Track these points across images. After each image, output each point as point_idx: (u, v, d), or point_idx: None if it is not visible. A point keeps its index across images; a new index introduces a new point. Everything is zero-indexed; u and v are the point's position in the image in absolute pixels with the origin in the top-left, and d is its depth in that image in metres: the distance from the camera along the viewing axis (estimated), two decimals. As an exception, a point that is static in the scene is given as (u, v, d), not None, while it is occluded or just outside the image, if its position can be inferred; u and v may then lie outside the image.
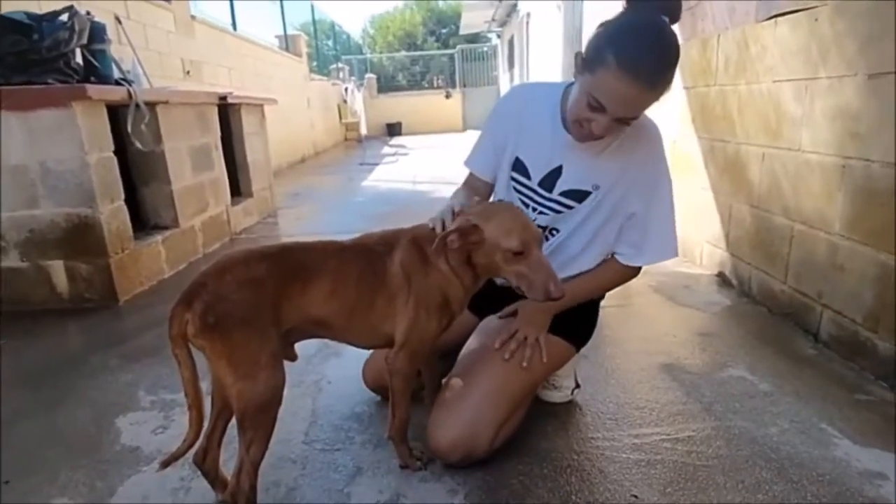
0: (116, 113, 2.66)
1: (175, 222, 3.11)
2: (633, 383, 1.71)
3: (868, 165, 1.68)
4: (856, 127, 1.72)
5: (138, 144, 2.75)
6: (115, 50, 3.01)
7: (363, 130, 13.07)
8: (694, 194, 2.86)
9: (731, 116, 2.45)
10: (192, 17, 5.50)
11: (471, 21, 16.25)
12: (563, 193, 1.37)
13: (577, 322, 1.47)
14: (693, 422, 1.50)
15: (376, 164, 8.23)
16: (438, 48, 24.96)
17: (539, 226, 1.39)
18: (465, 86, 16.82)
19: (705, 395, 1.64)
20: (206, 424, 1.14)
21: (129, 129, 2.67)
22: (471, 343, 1.48)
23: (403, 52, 24.59)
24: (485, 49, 17.93)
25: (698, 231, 2.86)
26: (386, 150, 10.74)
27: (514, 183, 1.44)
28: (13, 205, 2.40)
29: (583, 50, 1.20)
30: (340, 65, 14.88)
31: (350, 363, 1.78)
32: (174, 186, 3.09)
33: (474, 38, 19.71)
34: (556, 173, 1.37)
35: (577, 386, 1.62)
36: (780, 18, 2.07)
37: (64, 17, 2.49)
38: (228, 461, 1.25)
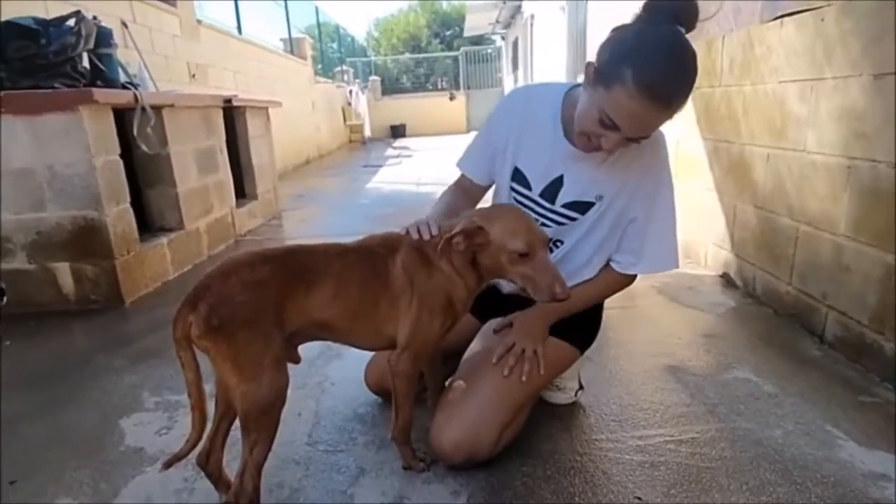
0: (122, 116, 2.68)
1: (180, 224, 3.13)
2: (637, 385, 1.71)
3: (874, 166, 1.67)
4: (861, 127, 1.71)
5: (144, 147, 2.77)
6: (122, 54, 3.04)
7: (367, 132, 13.11)
8: (698, 195, 2.85)
9: (736, 117, 2.45)
10: (198, 21, 5.53)
11: (475, 23, 16.27)
12: (565, 205, 1.35)
13: (580, 325, 1.45)
14: (697, 423, 1.50)
15: (380, 166, 8.25)
16: (442, 50, 25.00)
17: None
18: (469, 88, 16.84)
19: (709, 396, 1.63)
20: (209, 426, 1.15)
21: (135, 132, 2.69)
22: (474, 346, 1.48)
23: (408, 55, 24.65)
24: (489, 51, 17.95)
25: (703, 232, 2.85)
26: (390, 151, 10.76)
27: (514, 194, 1.42)
28: (20, 207, 2.42)
29: (593, 59, 1.15)
30: (345, 67, 14.93)
31: (353, 365, 1.79)
32: (179, 189, 3.11)
33: (478, 40, 19.73)
34: (557, 184, 1.34)
35: (581, 388, 1.61)
36: (785, 19, 2.07)
37: (71, 22, 2.51)
38: (232, 462, 1.25)
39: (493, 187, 1.52)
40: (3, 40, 2.37)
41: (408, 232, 1.24)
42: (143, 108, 2.70)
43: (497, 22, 15.08)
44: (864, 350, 1.74)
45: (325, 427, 1.54)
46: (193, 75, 5.25)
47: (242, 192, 4.29)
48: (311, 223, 4.48)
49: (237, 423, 1.10)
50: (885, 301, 1.65)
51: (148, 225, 3.06)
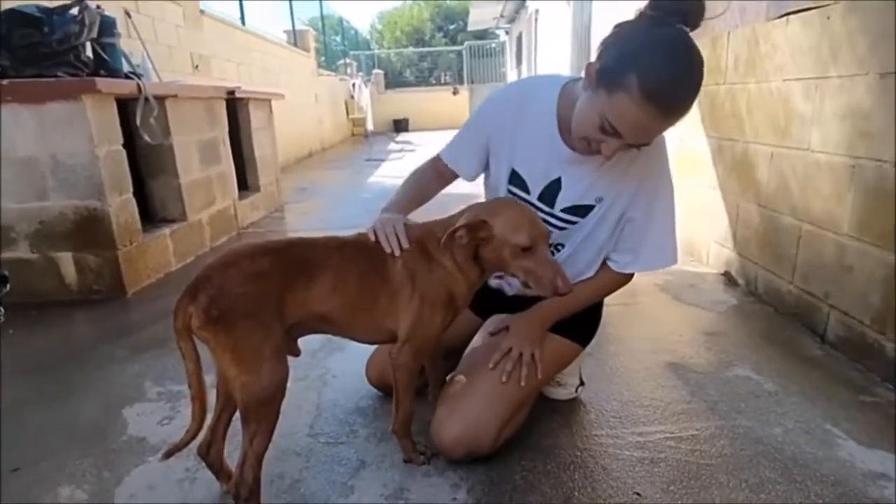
0: (126, 106, 2.68)
1: (183, 216, 3.13)
2: (638, 381, 1.71)
3: (879, 166, 1.66)
4: (866, 126, 1.71)
5: (147, 138, 2.77)
6: (125, 44, 3.03)
7: (369, 126, 13.06)
8: (702, 193, 2.84)
9: (740, 115, 2.44)
10: (201, 12, 5.52)
11: (479, 17, 16.21)
12: (565, 209, 1.32)
13: (580, 320, 1.44)
14: (697, 421, 1.50)
15: (383, 160, 8.24)
16: (446, 44, 24.93)
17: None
18: (472, 82, 16.79)
19: (710, 394, 1.63)
20: (209, 417, 1.15)
21: (139, 122, 2.69)
22: (475, 341, 1.48)
23: (411, 48, 24.58)
24: (493, 45, 17.90)
25: (705, 230, 2.84)
26: (392, 146, 10.75)
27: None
28: (23, 197, 2.42)
29: (594, 58, 1.10)
30: (348, 60, 14.90)
31: (354, 358, 1.79)
32: (182, 180, 3.11)
33: (482, 35, 19.66)
34: (555, 186, 1.31)
35: (582, 383, 1.62)
36: (791, 16, 2.06)
37: (74, 11, 2.51)
38: (233, 453, 1.26)
39: (485, 186, 1.48)
40: (6, 28, 2.36)
41: (376, 237, 1.22)
42: (147, 99, 2.69)
43: (501, 16, 15.03)
44: (866, 350, 1.74)
45: (327, 419, 1.55)
46: (196, 66, 5.24)
47: (245, 184, 4.29)
48: (314, 216, 4.48)
49: (238, 414, 1.11)
50: (887, 301, 1.65)
51: (150, 216, 3.06)
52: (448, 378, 1.45)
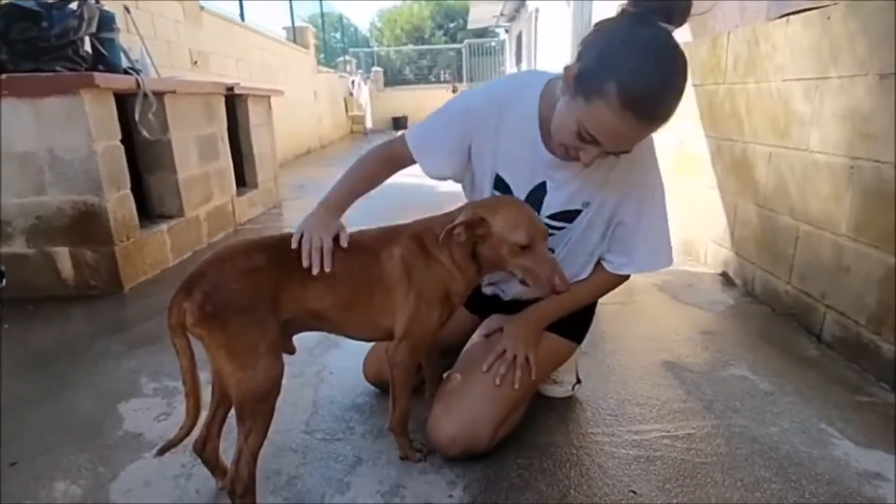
0: (124, 101, 2.67)
1: (180, 212, 3.13)
2: (634, 380, 1.71)
3: (877, 167, 1.66)
4: (866, 127, 1.71)
5: (145, 133, 2.76)
6: (124, 39, 3.02)
7: (369, 124, 13.05)
8: (700, 193, 2.85)
9: (739, 115, 2.44)
10: (201, 8, 5.50)
11: (479, 16, 16.20)
12: (551, 216, 1.29)
13: (573, 317, 1.43)
14: (693, 419, 1.50)
15: (382, 158, 8.20)
16: (446, 42, 24.90)
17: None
18: (472, 80, 16.77)
19: (706, 393, 1.64)
20: (204, 413, 1.15)
21: (137, 117, 2.68)
22: (474, 338, 1.48)
23: (411, 46, 24.55)
24: (493, 44, 17.89)
25: (703, 230, 2.85)
26: (392, 143, 10.71)
27: None
28: (21, 191, 2.41)
29: (574, 62, 1.05)
30: (347, 57, 14.87)
31: (351, 355, 1.79)
32: (180, 176, 3.10)
33: (482, 33, 19.64)
34: (540, 191, 1.28)
35: (578, 381, 1.62)
36: (791, 17, 2.06)
37: (73, 6, 2.50)
38: (228, 449, 1.26)
39: (464, 189, 1.43)
40: (5, 22, 2.36)
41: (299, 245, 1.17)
42: (145, 94, 2.69)
43: (501, 15, 15.02)
44: (862, 350, 1.75)
45: (323, 416, 1.55)
46: (195, 62, 5.23)
47: (243, 180, 4.28)
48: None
49: (234, 411, 1.11)
50: (883, 302, 1.66)
51: (148, 211, 3.05)
52: (445, 376, 1.45)
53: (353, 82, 13.50)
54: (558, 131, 1.11)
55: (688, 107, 2.93)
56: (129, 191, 2.64)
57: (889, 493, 1.22)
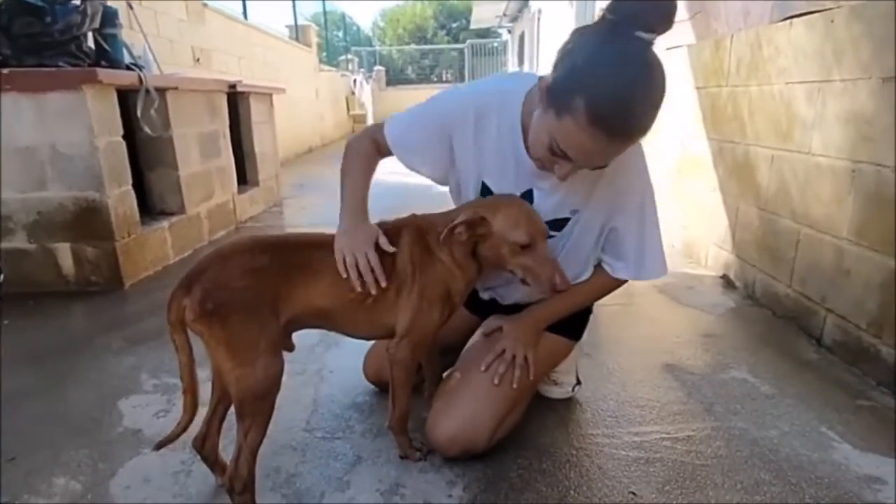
0: (126, 98, 2.67)
1: (181, 209, 3.13)
2: (635, 382, 1.71)
3: (879, 170, 1.66)
4: (868, 131, 1.71)
5: (147, 129, 2.76)
6: (127, 35, 3.02)
7: (370, 123, 13.05)
8: (701, 195, 2.85)
9: (742, 118, 2.44)
10: (204, 5, 5.50)
11: (482, 16, 16.21)
12: None
13: (571, 316, 1.42)
14: (693, 421, 1.50)
15: (383, 157, 8.20)
16: (448, 42, 24.91)
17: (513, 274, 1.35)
18: (474, 80, 16.77)
19: (706, 395, 1.63)
20: (204, 410, 1.15)
21: (139, 113, 2.68)
22: (474, 338, 1.48)
23: (413, 46, 24.55)
24: (495, 44, 17.90)
25: (705, 232, 2.85)
26: (393, 143, 10.69)
27: None
28: (22, 186, 2.41)
29: (550, 71, 1.01)
30: (350, 56, 14.87)
31: (351, 353, 1.79)
32: (181, 173, 3.10)
33: (485, 33, 19.65)
34: (527, 198, 1.25)
35: (579, 383, 1.62)
36: (795, 20, 2.06)
37: (77, 1, 2.49)
38: (228, 446, 1.26)
39: (451, 193, 1.41)
40: (8, 17, 2.36)
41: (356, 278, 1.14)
42: (148, 90, 2.69)
43: (504, 15, 15.02)
44: (862, 354, 1.74)
45: (323, 414, 1.55)
46: (198, 59, 5.23)
47: (244, 178, 4.28)
48: (312, 212, 4.47)
49: (233, 408, 1.11)
50: (884, 306, 1.65)
51: (149, 208, 3.05)
52: (444, 375, 1.45)
53: (354, 81, 13.51)
54: (533, 144, 1.10)
55: (690, 109, 2.93)
56: (130, 187, 2.63)
57: (889, 497, 1.22)
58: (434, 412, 1.33)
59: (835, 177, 1.86)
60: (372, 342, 1.62)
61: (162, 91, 2.87)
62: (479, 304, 1.51)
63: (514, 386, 1.31)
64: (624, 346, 1.96)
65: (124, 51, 2.85)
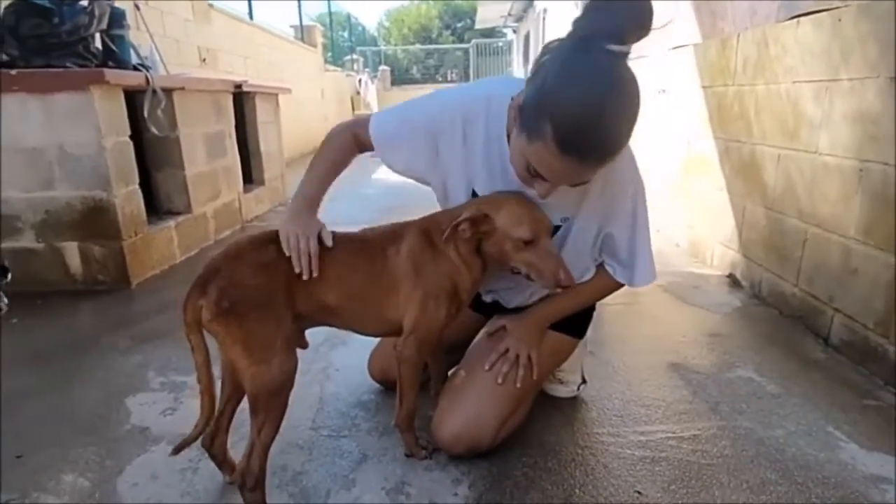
0: (133, 98, 2.69)
1: (188, 208, 3.14)
2: (640, 381, 1.71)
3: (886, 169, 1.65)
4: (876, 130, 1.70)
5: (154, 130, 2.77)
6: (133, 36, 3.03)
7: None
8: (708, 194, 2.84)
9: (748, 117, 2.43)
10: (209, 5, 5.53)
11: (486, 16, 16.19)
12: None
13: (574, 313, 1.42)
14: (699, 421, 1.50)
15: (388, 157, 8.20)
16: (453, 42, 24.91)
17: (516, 272, 1.34)
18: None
19: (712, 394, 1.63)
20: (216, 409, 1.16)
21: (146, 113, 2.69)
22: (479, 337, 1.48)
23: (418, 45, 24.57)
24: (500, 44, 17.88)
25: (711, 232, 2.84)
26: (398, 142, 10.71)
27: None
28: (30, 186, 2.43)
29: (524, 89, 0.99)
30: (355, 56, 14.90)
31: (357, 352, 1.80)
32: (188, 172, 3.12)
33: (490, 33, 19.63)
34: None
35: (584, 381, 1.62)
36: (802, 18, 2.05)
37: (84, 2, 2.52)
38: (237, 444, 1.27)
39: (438, 194, 1.38)
40: (16, 18, 2.38)
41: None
42: (154, 90, 2.70)
43: (509, 15, 15.00)
44: (869, 354, 1.74)
45: (329, 413, 1.55)
46: (204, 59, 5.25)
47: (250, 177, 4.30)
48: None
49: (242, 405, 1.11)
50: (891, 305, 1.64)
51: (155, 208, 3.07)
52: (449, 374, 1.45)
53: (360, 81, 13.54)
54: (512, 161, 1.09)
55: (696, 108, 2.92)
56: (137, 187, 2.65)
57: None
58: (439, 411, 1.34)
59: (842, 176, 1.85)
60: (377, 342, 1.62)
61: (168, 91, 2.89)
62: (484, 305, 1.52)
63: (518, 385, 1.32)
64: (629, 345, 1.95)
65: (131, 51, 2.87)
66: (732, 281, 2.60)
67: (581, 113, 0.89)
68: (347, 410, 1.56)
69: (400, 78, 18.33)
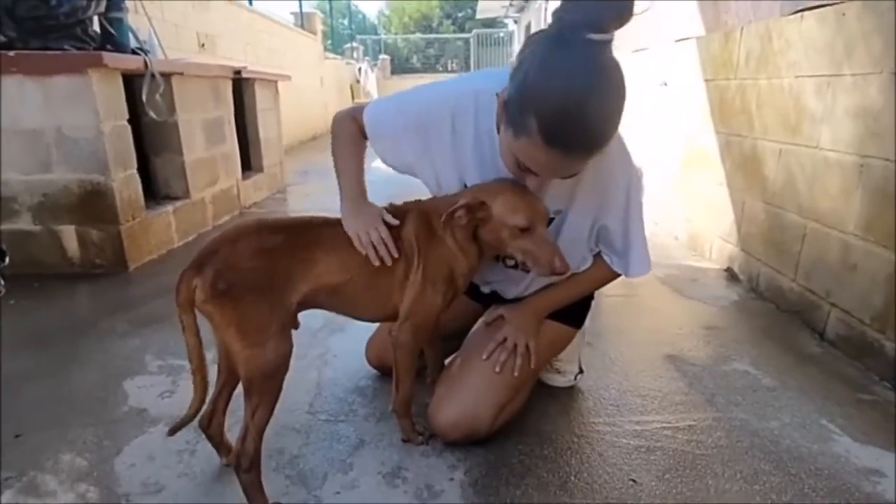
0: (131, 82, 2.67)
1: (186, 194, 3.13)
2: (637, 372, 1.72)
3: (888, 165, 1.66)
4: (878, 125, 1.70)
5: (152, 114, 2.75)
6: (132, 20, 3.00)
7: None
8: (707, 189, 2.84)
9: (750, 111, 2.43)
10: (209, -10, 5.47)
11: (488, 6, 16.09)
12: None
13: (572, 303, 1.42)
14: (695, 412, 1.51)
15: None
16: (454, 32, 24.76)
17: (509, 266, 1.35)
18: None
19: (708, 386, 1.64)
20: (210, 390, 1.16)
21: (144, 98, 2.67)
22: (477, 325, 1.48)
23: (419, 35, 24.40)
24: (501, 35, 17.78)
25: (709, 225, 2.84)
26: (397, 132, 10.67)
27: None
28: (27, 168, 2.42)
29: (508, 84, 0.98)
30: (355, 44, 14.80)
31: (355, 338, 1.80)
32: (186, 158, 3.11)
33: (491, 23, 19.50)
34: None
35: (581, 371, 1.62)
36: (805, 13, 2.04)
37: (82, -17, 2.49)
38: (233, 427, 1.27)
39: (430, 186, 1.37)
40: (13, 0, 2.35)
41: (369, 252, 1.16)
42: (153, 75, 2.68)
43: (511, 5, 14.90)
44: (865, 349, 1.75)
45: (326, 398, 1.56)
46: (203, 45, 5.20)
47: (248, 164, 4.29)
48: (316, 198, 4.47)
49: (239, 388, 1.11)
50: (889, 301, 1.65)
51: (154, 193, 3.06)
52: (447, 362, 1.46)
53: (359, 69, 13.46)
54: (502, 155, 1.10)
55: (698, 102, 2.91)
56: (135, 171, 2.64)
57: (888, 490, 1.22)
58: (436, 398, 1.34)
59: (843, 171, 1.85)
60: (375, 328, 1.63)
61: (167, 76, 2.87)
62: (483, 295, 1.52)
63: (516, 374, 1.32)
64: (626, 337, 1.96)
65: (130, 35, 2.84)
66: (730, 275, 2.61)
67: (564, 106, 0.89)
68: (345, 396, 1.57)
69: (400, 67, 18.22)
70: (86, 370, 1.71)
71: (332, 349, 1.83)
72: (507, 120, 0.99)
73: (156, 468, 1.27)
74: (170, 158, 3.08)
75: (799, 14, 2.08)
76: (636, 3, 0.90)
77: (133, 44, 2.86)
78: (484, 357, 1.33)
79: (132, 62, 2.60)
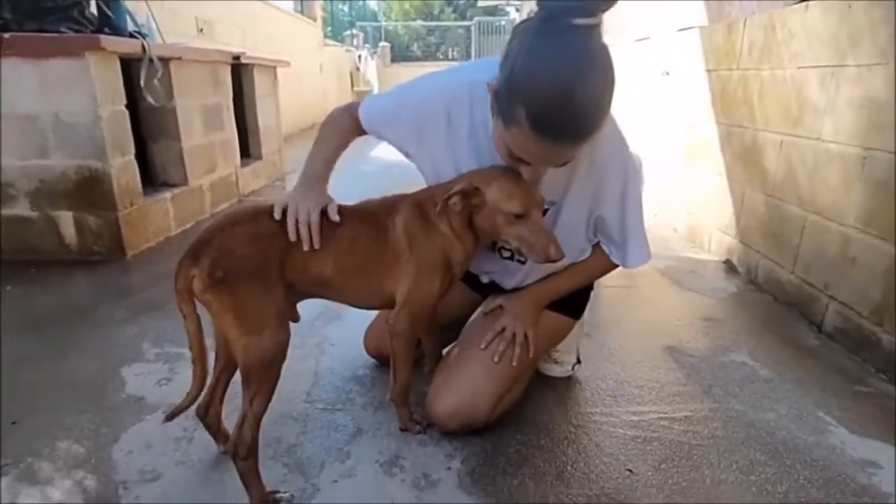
0: (129, 67, 2.64)
1: (184, 180, 3.11)
2: (634, 363, 1.72)
3: (890, 158, 1.65)
4: (881, 117, 1.69)
5: (150, 99, 2.73)
6: (129, 3, 2.96)
7: (374, 99, 12.90)
8: (707, 180, 2.83)
9: (752, 102, 2.41)
10: (208, -26, 5.40)
11: (490, -7, 15.92)
12: None
13: (571, 294, 1.42)
14: (691, 403, 1.51)
15: (387, 135, 8.13)
16: (455, 19, 24.53)
17: (505, 257, 1.34)
18: (480, 59, 16.55)
19: (705, 377, 1.64)
20: (209, 379, 1.16)
21: (142, 83, 2.65)
22: (475, 315, 1.48)
23: (419, 22, 24.18)
24: (502, 23, 17.60)
25: (709, 217, 2.84)
26: (397, 121, 10.61)
27: None
28: (24, 154, 2.40)
29: (498, 74, 0.98)
30: (355, 31, 14.67)
31: (352, 327, 1.80)
32: (184, 145, 3.08)
33: (492, 11, 19.31)
34: None
35: (579, 362, 1.63)
36: (810, 3, 2.02)
37: (79, -35, 2.45)
38: (231, 415, 1.27)
39: (427, 176, 1.36)
40: (9, -20, 2.32)
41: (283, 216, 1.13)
42: (151, 59, 2.65)
43: (512, -7, 14.74)
44: (862, 341, 1.75)
45: (324, 386, 1.56)
46: (201, 30, 5.15)
47: (247, 151, 4.26)
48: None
49: (237, 376, 1.11)
50: (887, 294, 1.65)
51: (151, 179, 3.03)
52: (445, 352, 1.45)
53: (359, 57, 13.34)
54: (495, 146, 1.10)
55: (700, 91, 2.89)
56: (133, 157, 2.62)
57: (883, 481, 1.23)
58: (434, 387, 1.34)
59: (844, 164, 1.84)
60: (373, 317, 1.62)
61: (165, 61, 2.84)
62: (481, 285, 1.51)
63: (514, 364, 1.32)
64: (624, 328, 1.96)
65: (127, 18, 2.81)
66: (729, 266, 2.61)
67: (551, 94, 0.89)
68: (342, 384, 1.57)
69: (400, 55, 18.05)
70: (83, 357, 1.71)
71: (330, 338, 1.83)
72: (498, 110, 1.00)
73: (153, 455, 1.27)
74: (168, 145, 3.06)
75: (803, 4, 2.06)
76: None
77: (131, 27, 2.83)
78: (482, 347, 1.33)
79: (130, 46, 2.57)
